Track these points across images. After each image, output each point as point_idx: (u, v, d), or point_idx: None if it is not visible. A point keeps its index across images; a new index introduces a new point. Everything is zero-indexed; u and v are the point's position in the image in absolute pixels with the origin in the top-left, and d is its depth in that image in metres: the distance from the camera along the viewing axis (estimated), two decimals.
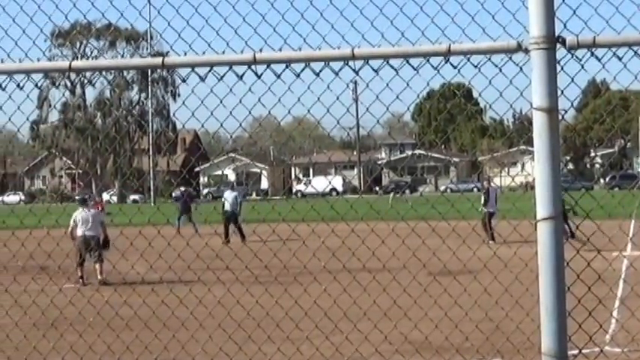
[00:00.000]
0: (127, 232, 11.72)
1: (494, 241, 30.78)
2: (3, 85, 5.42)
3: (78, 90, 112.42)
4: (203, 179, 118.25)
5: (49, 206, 52.43)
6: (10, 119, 6.26)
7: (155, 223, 12.43)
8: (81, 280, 23.35)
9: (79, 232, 24.66)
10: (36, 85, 5.81)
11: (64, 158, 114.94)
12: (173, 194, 46.47)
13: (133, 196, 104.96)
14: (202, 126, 6.03)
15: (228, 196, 37.75)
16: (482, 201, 34.24)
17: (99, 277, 23.54)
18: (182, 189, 48.58)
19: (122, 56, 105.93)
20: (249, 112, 5.93)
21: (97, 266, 23.94)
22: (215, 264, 12.10)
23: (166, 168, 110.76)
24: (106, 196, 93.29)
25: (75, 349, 11.81)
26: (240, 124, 5.97)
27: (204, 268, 12.53)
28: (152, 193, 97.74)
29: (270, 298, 11.16)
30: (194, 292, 11.23)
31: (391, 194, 66.03)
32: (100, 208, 56.58)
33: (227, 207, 37.03)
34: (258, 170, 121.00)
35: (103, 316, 12.62)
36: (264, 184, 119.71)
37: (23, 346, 13.41)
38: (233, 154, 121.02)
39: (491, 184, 37.90)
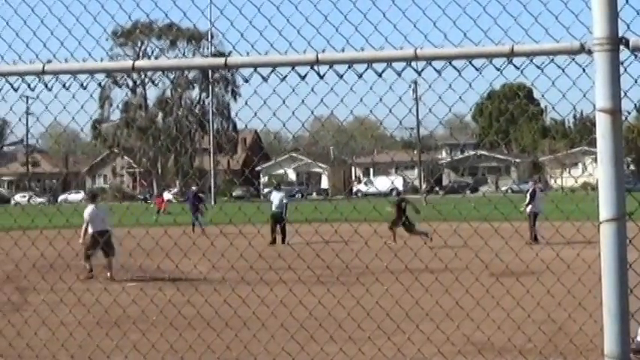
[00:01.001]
0: (189, 232, 11.87)
1: (537, 242, 30.70)
2: (67, 85, 5.49)
3: (139, 89, 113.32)
4: (264, 179, 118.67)
5: (111, 205, 52.87)
6: (73, 118, 6.35)
7: (217, 223, 12.57)
8: (90, 274, 23.90)
9: (90, 229, 24.96)
10: (99, 85, 5.88)
11: (126, 157, 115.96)
12: (234, 193, 46.59)
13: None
14: (265, 125, 6.10)
15: (275, 197, 37.76)
16: (527, 201, 34.10)
17: (108, 273, 24.06)
18: (193, 188, 48.75)
19: (184, 56, 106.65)
20: (312, 113, 5.98)
21: (108, 261, 24.49)
22: (277, 264, 12.22)
23: (227, 167, 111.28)
24: (167, 195, 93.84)
25: (138, 347, 11.98)
26: (303, 124, 6.04)
27: (267, 268, 12.65)
28: (213, 192, 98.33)
29: (333, 298, 11.24)
30: (256, 292, 11.36)
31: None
32: (162, 208, 57.11)
33: (273, 208, 37.20)
34: (319, 170, 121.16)
35: (166, 314, 12.78)
36: (325, 183, 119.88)
37: (87, 345, 13.61)
38: (294, 154, 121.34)
39: (537, 184, 37.63)
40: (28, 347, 12.12)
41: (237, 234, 11.18)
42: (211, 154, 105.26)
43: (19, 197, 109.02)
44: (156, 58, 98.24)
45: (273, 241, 33.76)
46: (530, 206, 33.82)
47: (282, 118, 5.79)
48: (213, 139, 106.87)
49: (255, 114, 5.99)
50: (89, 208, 25.89)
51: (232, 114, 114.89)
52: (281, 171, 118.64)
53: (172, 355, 12.49)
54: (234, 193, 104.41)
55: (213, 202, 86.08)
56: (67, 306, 11.89)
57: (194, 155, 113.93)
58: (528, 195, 34.64)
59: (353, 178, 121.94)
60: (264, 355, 12.61)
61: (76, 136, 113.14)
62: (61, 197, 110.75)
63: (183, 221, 28.11)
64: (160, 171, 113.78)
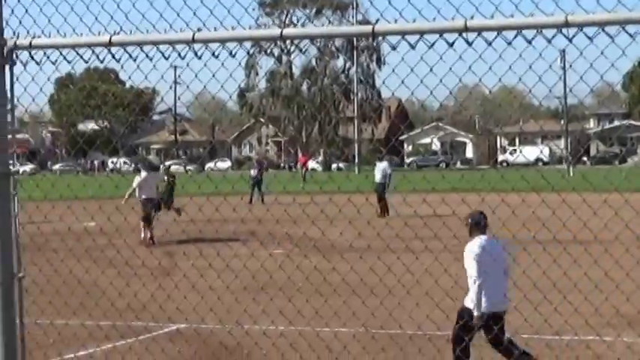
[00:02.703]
0: (335, 200, 11.96)
1: None
2: (216, 53, 5.57)
3: (285, 58, 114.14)
4: (407, 148, 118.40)
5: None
6: (222, 86, 6.42)
7: (363, 191, 12.65)
8: (151, 241, 24.66)
9: (143, 195, 25.88)
10: (248, 53, 5.93)
11: (271, 126, 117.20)
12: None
13: (337, 164, 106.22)
14: (412, 93, 6.09)
15: (378, 168, 37.06)
16: None
17: (143, 235, 24.84)
18: (256, 157, 48.73)
19: (329, 23, 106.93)
20: (460, 80, 5.93)
21: (149, 228, 25.35)
22: (423, 232, 12.21)
23: (371, 136, 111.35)
24: (311, 164, 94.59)
25: (284, 313, 12.17)
26: (451, 92, 6.02)
27: (413, 237, 12.66)
28: (357, 160, 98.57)
29: None
30: (402, 260, 11.39)
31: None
32: (305, 167, 57.39)
33: (377, 178, 36.35)
34: (464, 139, 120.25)
35: (312, 281, 12.95)
36: (470, 153, 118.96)
37: (234, 309, 13.90)
38: (439, 123, 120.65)
39: None
40: (178, 311, 12.45)
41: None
42: (356, 123, 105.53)
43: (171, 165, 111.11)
44: (302, 26, 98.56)
45: (381, 213, 33.10)
46: None
47: (427, 86, 5.76)
48: (357, 108, 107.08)
49: (403, 82, 5.96)
50: (142, 176, 26.87)
51: (377, 82, 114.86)
52: (425, 140, 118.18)
53: (318, 321, 12.66)
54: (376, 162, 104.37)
55: (357, 171, 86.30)
56: (215, 271, 12.15)
57: (338, 124, 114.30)
58: None
59: (498, 147, 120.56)
60: (408, 323, 12.67)
61: (223, 104, 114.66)
62: (208, 165, 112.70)
63: (329, 189, 28.29)
64: (304, 140, 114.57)
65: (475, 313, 10.57)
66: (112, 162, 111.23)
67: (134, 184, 27.27)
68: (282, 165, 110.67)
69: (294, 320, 12.28)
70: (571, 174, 58.89)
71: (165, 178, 33.39)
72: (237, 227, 16.77)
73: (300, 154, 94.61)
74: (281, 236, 20.36)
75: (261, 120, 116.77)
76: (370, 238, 12.15)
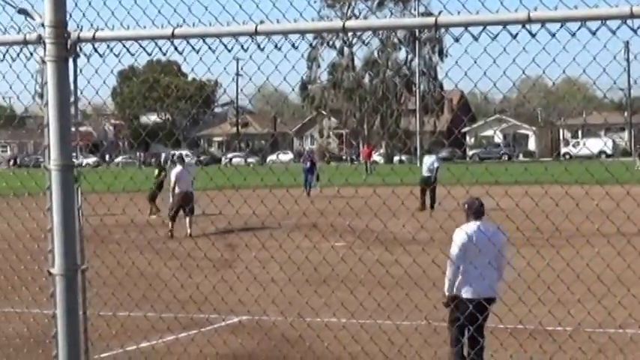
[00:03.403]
0: (398, 192, 11.93)
1: None
2: (278, 45, 5.55)
3: (347, 50, 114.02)
4: (470, 140, 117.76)
5: (320, 166, 53.50)
6: (284, 79, 6.41)
7: (444, 183, 12.58)
8: (170, 233, 25.15)
9: (178, 189, 26.54)
10: (310, 45, 5.92)
11: (333, 118, 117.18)
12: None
13: (399, 157, 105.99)
14: (475, 85, 6.04)
15: (426, 160, 36.67)
16: None
17: (188, 230, 25.29)
18: (307, 149, 48.47)
19: (391, 15, 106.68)
20: (523, 72, 5.88)
21: (188, 219, 25.94)
22: None
23: (433, 128, 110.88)
24: (375, 157, 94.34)
25: (346, 305, 12.17)
26: (514, 84, 5.96)
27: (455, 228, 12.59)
28: (418, 153, 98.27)
29: (542, 260, 11.10)
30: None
31: None
32: (369, 159, 57.23)
33: (424, 172, 35.71)
34: (526, 132, 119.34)
35: (374, 273, 12.90)
36: (532, 145, 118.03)
37: (296, 301, 13.91)
38: (501, 115, 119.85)
39: None
40: (240, 303, 12.50)
41: (445, 194, 11.17)
42: (418, 115, 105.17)
43: (233, 157, 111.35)
44: (364, 18, 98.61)
45: (422, 207, 32.69)
46: None
47: (490, 78, 5.71)
48: (419, 100, 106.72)
49: (466, 74, 5.91)
50: (176, 170, 27.41)
51: (439, 74, 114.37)
52: (488, 132, 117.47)
53: (380, 314, 12.62)
54: (439, 155, 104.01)
55: (418, 164, 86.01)
56: (277, 263, 12.17)
57: (400, 116, 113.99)
58: None
59: (561, 139, 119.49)
60: None
61: (285, 97, 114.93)
62: (270, 158, 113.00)
63: (391, 181, 28.17)
64: (366, 132, 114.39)
65: (446, 293, 11.14)
66: (174, 155, 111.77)
67: (173, 178, 27.84)
68: (343, 157, 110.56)
69: (356, 313, 12.26)
70: (637, 167, 58.22)
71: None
72: (299, 219, 16.71)
73: (363, 147, 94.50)
74: (343, 229, 20.33)
75: (323, 112, 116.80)
76: (433, 230, 12.06)
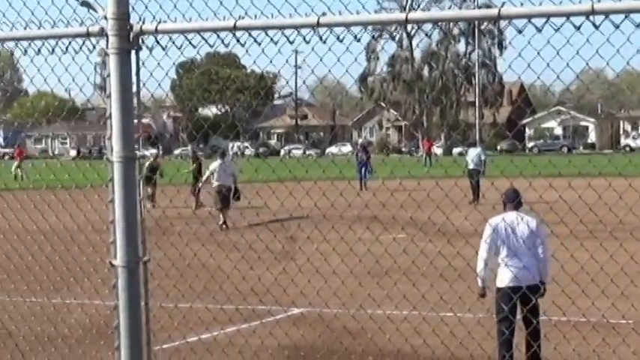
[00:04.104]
0: (460, 184, 11.80)
1: None
2: (340, 37, 5.48)
3: (406, 42, 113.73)
4: (529, 132, 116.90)
5: (383, 159, 53.37)
6: (347, 71, 6.34)
7: (490, 176, 12.45)
8: (224, 225, 25.66)
9: (215, 182, 27.23)
10: (373, 37, 5.85)
11: (392, 110, 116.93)
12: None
13: (458, 149, 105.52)
14: (538, 77, 5.93)
15: (471, 152, 36.28)
16: None
17: (220, 221, 25.76)
18: (360, 140, 48.04)
19: (453, 4, 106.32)
20: (586, 64, 5.76)
21: (222, 213, 27.18)
22: (548, 217, 11.97)
23: (493, 120, 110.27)
24: (434, 149, 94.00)
25: (408, 297, 12.06)
26: (578, 76, 5.86)
27: (538, 222, 12.41)
28: (478, 145, 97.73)
29: (605, 253, 10.91)
30: None
31: None
32: (429, 151, 56.92)
33: (470, 164, 35.19)
34: (586, 124, 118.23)
35: (436, 266, 12.81)
36: (592, 137, 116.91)
37: (358, 293, 13.84)
38: (560, 107, 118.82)
39: None
40: (302, 295, 12.43)
41: (506, 186, 11.03)
42: (477, 107, 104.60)
43: (292, 149, 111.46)
44: (426, 10, 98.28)
45: (475, 200, 32.10)
46: None
47: (548, 70, 5.59)
48: (479, 92, 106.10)
49: (529, 65, 5.81)
50: (216, 163, 27.98)
51: (498, 66, 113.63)
52: (548, 124, 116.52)
53: (442, 306, 12.53)
54: (499, 147, 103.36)
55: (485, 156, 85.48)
56: (339, 255, 12.09)
57: (460, 108, 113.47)
58: None
59: (621, 132, 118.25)
60: None
61: (346, 90, 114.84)
62: (329, 149, 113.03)
63: (453, 173, 28.00)
64: (425, 124, 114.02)
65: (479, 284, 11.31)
66: (233, 147, 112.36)
67: (209, 171, 28.34)
68: (403, 149, 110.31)
69: (418, 305, 12.17)
70: None
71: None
72: (361, 212, 16.65)
73: (423, 139, 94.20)
74: (405, 221, 20.25)
75: (382, 104, 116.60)
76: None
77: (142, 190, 5.60)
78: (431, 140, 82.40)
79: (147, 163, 35.25)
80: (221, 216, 27.03)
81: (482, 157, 35.20)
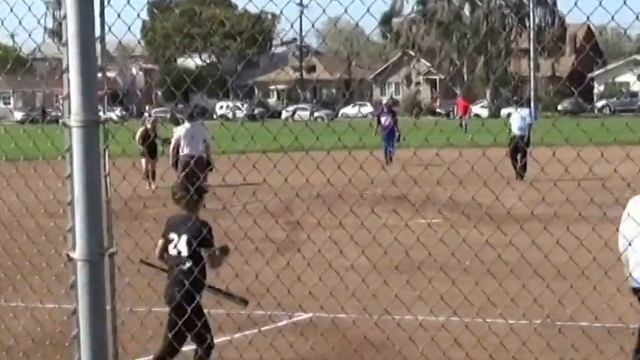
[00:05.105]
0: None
1: None
2: None
3: None
4: (598, 88, 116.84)
5: (414, 122, 53.23)
6: (368, 10, 6.35)
7: (550, 144, 12.38)
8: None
9: (182, 151, 26.86)
10: None
11: (423, 60, 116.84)
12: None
13: (507, 109, 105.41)
14: (612, 18, 5.89)
15: (514, 116, 36.12)
16: None
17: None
18: (385, 100, 47.88)
19: None
20: None
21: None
22: (627, 197, 11.91)
23: (551, 73, 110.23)
24: (475, 109, 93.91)
25: (446, 299, 12.04)
26: None
27: (612, 202, 12.38)
28: (532, 104, 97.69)
29: None
30: (599, 233, 11.12)
31: None
32: (466, 113, 56.81)
33: (514, 130, 35.29)
34: None
35: (482, 259, 12.76)
36: None
37: (382, 294, 13.83)
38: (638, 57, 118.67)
39: None
40: (310, 296, 12.41)
41: (574, 158, 10.97)
42: (531, 56, 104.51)
43: (296, 110, 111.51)
44: None
45: (519, 175, 32.09)
46: None
47: (625, 9, 5.56)
48: (534, 37, 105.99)
49: (601, 3, 5.77)
50: (181, 128, 27.57)
51: (559, 4, 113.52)
52: (623, 78, 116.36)
53: (489, 311, 12.52)
54: (559, 107, 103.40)
55: (533, 118, 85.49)
56: (358, 246, 12.05)
57: (508, 58, 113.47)
58: None
59: None
60: (606, 313, 12.44)
61: (362, 33, 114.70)
62: (343, 110, 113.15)
63: (503, 141, 27.83)
64: (465, 77, 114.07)
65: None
66: (222, 107, 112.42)
67: (174, 139, 28.07)
68: (438, 110, 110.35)
69: (460, 309, 12.16)
70: None
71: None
72: (386, 190, 16.61)
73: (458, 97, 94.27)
74: (442, 201, 20.17)
75: (411, 53, 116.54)
76: (559, 203, 11.87)
77: (107, 163, 5.56)
78: (467, 99, 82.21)
79: (139, 131, 35.45)
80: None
81: (528, 121, 35.08)
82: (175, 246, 11.51)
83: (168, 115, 40.66)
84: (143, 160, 33.72)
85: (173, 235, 11.53)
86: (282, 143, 10.88)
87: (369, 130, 42.34)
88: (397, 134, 42.86)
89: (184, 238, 11.44)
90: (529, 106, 39.49)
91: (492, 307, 12.22)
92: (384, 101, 48.20)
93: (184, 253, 11.44)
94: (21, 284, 13.43)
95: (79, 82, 5.36)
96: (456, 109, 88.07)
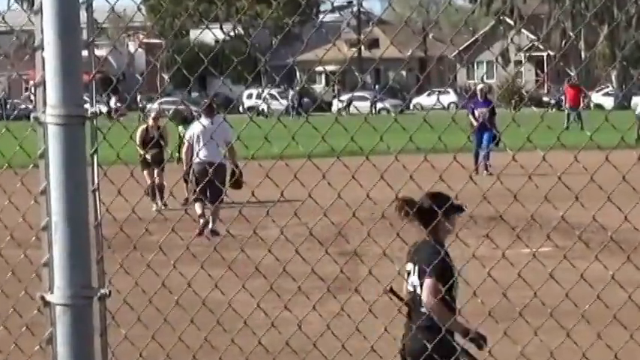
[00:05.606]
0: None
1: None
2: None
3: None
4: None
5: (512, 115, 53.30)
6: None
7: None
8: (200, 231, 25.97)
9: (197, 157, 27.12)
10: None
11: (524, 31, 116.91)
12: None
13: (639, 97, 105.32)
14: None
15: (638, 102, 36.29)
16: None
17: (210, 225, 26.30)
18: (479, 86, 47.57)
19: None
20: None
21: (199, 205, 28.15)
22: None
23: None
24: (599, 98, 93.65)
25: (558, 355, 12.07)
26: None
27: None
28: None
29: None
30: None
31: None
32: (578, 103, 56.73)
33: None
34: None
35: (608, 301, 12.75)
36: None
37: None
38: None
39: None
40: (374, 353, 12.47)
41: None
42: None
43: (352, 100, 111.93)
44: None
45: None
46: None
47: None
48: None
49: None
50: (197, 126, 27.71)
51: None
52: None
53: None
54: None
55: None
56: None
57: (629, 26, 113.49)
58: None
59: None
60: None
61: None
62: (417, 100, 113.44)
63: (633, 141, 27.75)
64: (582, 55, 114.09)
65: None
66: (251, 96, 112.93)
67: (187, 140, 28.28)
68: (546, 99, 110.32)
69: None
70: None
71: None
72: (476, 208, 16.50)
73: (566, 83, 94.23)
74: (552, 223, 20.14)
75: (508, 21, 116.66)
76: None
77: (95, 173, 5.59)
78: (576, 87, 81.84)
79: (139, 129, 35.40)
80: (197, 209, 27.20)
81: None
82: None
83: (171, 111, 40.41)
84: (145, 172, 33.89)
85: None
86: (332, 145, 10.89)
87: (454, 128, 42.18)
88: (495, 133, 42.43)
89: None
90: None
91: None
92: (480, 86, 47.96)
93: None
94: None
95: (57, 64, 5.39)
96: (564, 100, 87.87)
